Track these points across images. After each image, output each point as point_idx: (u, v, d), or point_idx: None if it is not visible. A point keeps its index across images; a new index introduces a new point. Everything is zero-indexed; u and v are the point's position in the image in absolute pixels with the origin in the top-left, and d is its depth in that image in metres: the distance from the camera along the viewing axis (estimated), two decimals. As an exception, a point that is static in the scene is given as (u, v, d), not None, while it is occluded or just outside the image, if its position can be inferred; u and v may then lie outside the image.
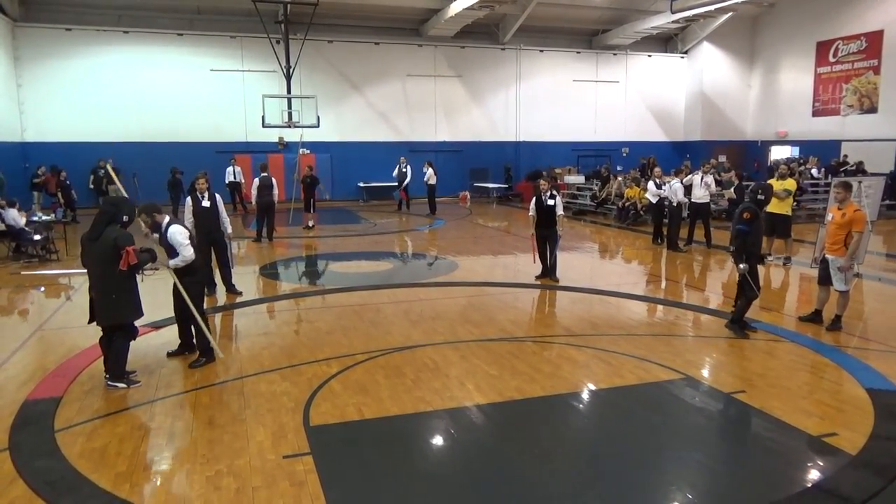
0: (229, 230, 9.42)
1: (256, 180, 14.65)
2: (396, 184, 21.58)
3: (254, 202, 14.92)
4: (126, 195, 6.72)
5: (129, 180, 19.53)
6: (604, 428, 5.37)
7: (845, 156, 22.07)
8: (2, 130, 19.33)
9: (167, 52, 21.97)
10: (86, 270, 5.97)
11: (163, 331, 7.50)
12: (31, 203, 17.14)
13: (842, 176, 17.93)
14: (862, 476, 4.30)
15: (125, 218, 5.86)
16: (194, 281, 6.53)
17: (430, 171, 20.90)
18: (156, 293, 7.04)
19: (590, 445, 5.05)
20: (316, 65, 23.16)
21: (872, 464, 4.45)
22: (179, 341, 6.81)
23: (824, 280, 7.71)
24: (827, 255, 7.64)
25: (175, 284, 6.43)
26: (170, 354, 6.75)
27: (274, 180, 14.89)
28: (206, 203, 9.15)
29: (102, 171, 19.18)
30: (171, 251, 6.34)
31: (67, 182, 18.63)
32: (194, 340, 6.70)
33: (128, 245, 5.67)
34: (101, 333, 6.02)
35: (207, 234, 9.10)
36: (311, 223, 16.97)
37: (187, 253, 6.32)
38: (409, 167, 21.06)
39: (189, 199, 9.26)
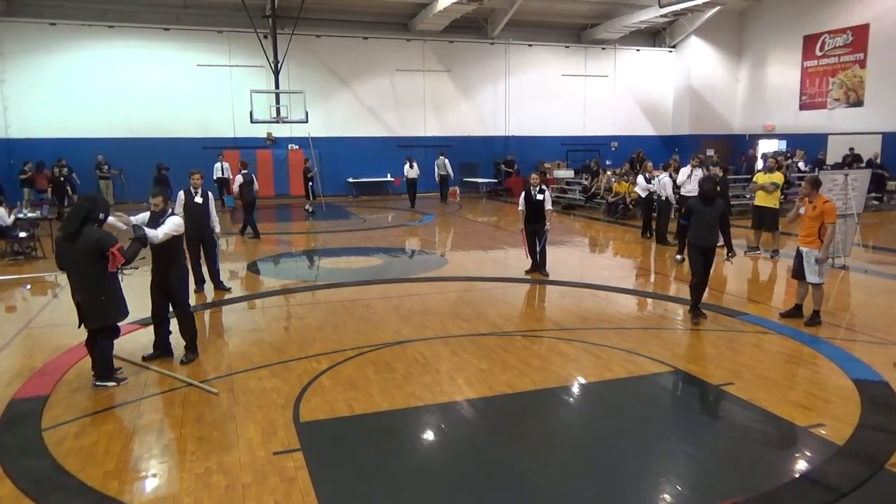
0: (217, 228, 9.42)
1: (239, 177, 14.74)
2: (439, 180, 22.70)
3: (238, 199, 15.37)
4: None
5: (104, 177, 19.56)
6: (593, 421, 5.39)
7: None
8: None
9: (153, 47, 21.74)
10: (65, 273, 5.75)
11: (151, 328, 7.41)
12: (20, 200, 16.99)
13: (827, 169, 18.03)
14: (849, 466, 4.34)
15: (101, 216, 5.68)
16: (179, 276, 6.53)
17: (407, 165, 21.53)
18: (140, 291, 6.97)
19: (580, 438, 5.07)
20: (304, 59, 23.00)
21: (859, 453, 4.50)
22: (154, 344, 6.65)
23: (798, 273, 7.71)
24: (800, 248, 7.67)
25: (155, 285, 6.45)
26: (145, 358, 6.55)
27: (254, 176, 15.10)
28: (198, 199, 9.17)
29: (66, 169, 19.04)
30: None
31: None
32: (181, 339, 6.64)
33: (111, 246, 5.49)
34: (87, 333, 5.95)
35: (197, 231, 9.14)
36: (308, 207, 19.42)
37: (160, 232, 6.16)
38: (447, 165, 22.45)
39: (182, 193, 9.24)
